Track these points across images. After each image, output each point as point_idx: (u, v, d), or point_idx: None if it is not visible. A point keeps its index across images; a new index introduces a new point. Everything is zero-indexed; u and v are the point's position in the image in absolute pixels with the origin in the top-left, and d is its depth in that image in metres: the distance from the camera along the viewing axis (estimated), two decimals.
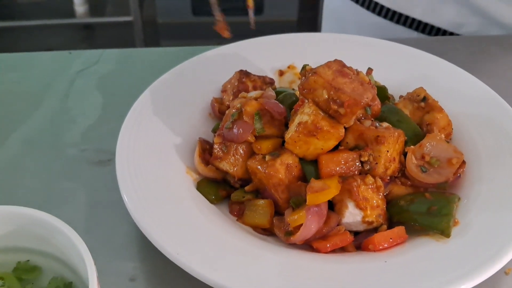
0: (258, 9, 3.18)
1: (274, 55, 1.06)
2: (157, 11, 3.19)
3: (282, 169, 0.77)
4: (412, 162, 0.81)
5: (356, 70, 0.81)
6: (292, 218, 0.74)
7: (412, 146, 0.83)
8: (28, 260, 0.63)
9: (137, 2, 3.09)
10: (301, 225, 0.73)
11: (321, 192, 0.73)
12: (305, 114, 0.77)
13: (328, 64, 0.78)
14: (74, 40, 3.47)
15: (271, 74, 1.04)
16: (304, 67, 0.81)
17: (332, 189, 0.73)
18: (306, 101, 0.79)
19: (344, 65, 0.79)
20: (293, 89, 0.98)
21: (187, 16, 3.21)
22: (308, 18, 3.34)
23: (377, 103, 0.82)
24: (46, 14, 3.44)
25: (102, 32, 3.53)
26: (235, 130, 0.80)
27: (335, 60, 0.79)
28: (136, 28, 3.19)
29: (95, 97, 1.08)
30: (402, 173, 0.83)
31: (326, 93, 0.75)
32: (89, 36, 3.52)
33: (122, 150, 0.83)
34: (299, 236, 0.73)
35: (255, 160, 0.79)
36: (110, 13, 3.58)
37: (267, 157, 0.77)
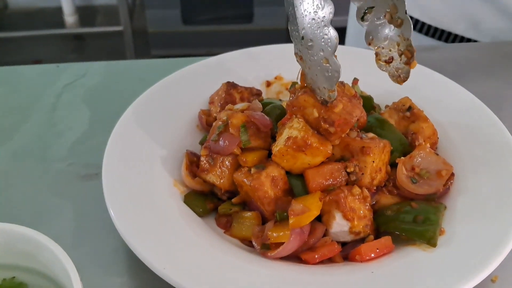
0: (248, 18, 3.19)
1: (261, 66, 1.07)
2: (147, 21, 3.19)
3: (267, 182, 0.77)
4: (402, 173, 0.82)
5: (342, 82, 0.81)
6: (275, 235, 0.74)
7: (402, 158, 0.83)
8: (14, 277, 0.63)
9: (127, 12, 3.10)
10: (281, 242, 0.73)
11: (302, 215, 0.73)
12: (295, 129, 0.77)
13: None
14: (64, 50, 3.47)
15: (258, 85, 1.04)
16: (293, 84, 0.80)
17: (312, 211, 0.74)
18: (295, 115, 0.79)
19: None
20: (281, 100, 0.99)
21: (177, 25, 3.22)
22: None
23: (363, 114, 0.82)
24: (36, 25, 3.44)
25: (92, 42, 3.53)
26: (221, 143, 0.80)
27: None
28: (126, 38, 3.20)
29: (82, 110, 1.08)
30: (393, 183, 0.83)
31: (316, 111, 0.76)
32: (79, 46, 3.52)
33: (108, 164, 0.83)
34: (277, 254, 0.73)
35: (241, 172, 0.79)
36: (100, 23, 3.58)
37: (253, 170, 0.77)
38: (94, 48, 3.48)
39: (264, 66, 1.06)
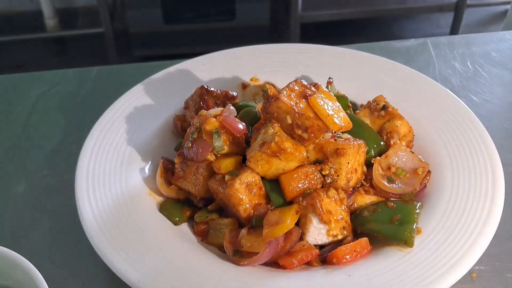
0: (230, 15, 3.17)
1: (237, 68, 1.06)
2: (128, 21, 3.16)
3: (241, 189, 0.76)
4: (378, 173, 0.81)
5: (315, 84, 0.80)
6: (248, 244, 0.73)
7: (378, 158, 0.82)
8: None
9: (107, 13, 3.07)
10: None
11: (276, 226, 0.72)
12: (269, 134, 0.76)
13: (290, 87, 0.77)
14: (46, 54, 3.42)
15: (234, 87, 1.03)
16: (266, 91, 0.79)
17: (286, 223, 0.73)
18: (269, 120, 0.78)
19: (305, 86, 0.78)
20: (256, 102, 0.98)
21: (159, 24, 3.19)
22: (280, 22, 3.34)
23: None
24: (16, 30, 3.40)
25: (74, 45, 3.49)
26: (194, 149, 0.79)
27: (296, 81, 0.78)
28: (108, 39, 3.16)
29: (57, 119, 1.06)
30: (370, 183, 0.83)
31: (290, 118, 0.75)
32: (61, 50, 3.48)
33: (81, 175, 0.82)
34: (250, 263, 0.73)
35: (215, 180, 0.78)
36: (81, 26, 3.54)
37: (227, 177, 0.76)
38: (76, 51, 3.44)
39: (239, 68, 1.05)
